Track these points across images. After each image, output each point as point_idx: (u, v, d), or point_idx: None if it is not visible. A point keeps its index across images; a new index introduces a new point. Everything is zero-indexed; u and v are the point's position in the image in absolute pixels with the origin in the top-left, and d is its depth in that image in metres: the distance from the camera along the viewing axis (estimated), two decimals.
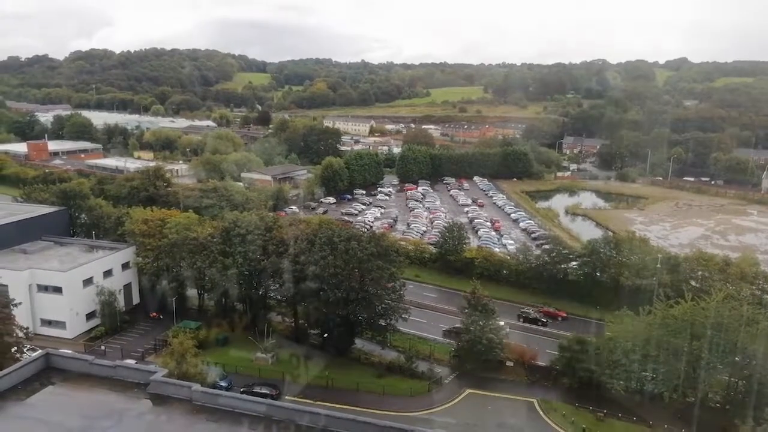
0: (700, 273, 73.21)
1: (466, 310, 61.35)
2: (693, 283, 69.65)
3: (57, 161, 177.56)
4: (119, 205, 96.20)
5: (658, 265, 74.42)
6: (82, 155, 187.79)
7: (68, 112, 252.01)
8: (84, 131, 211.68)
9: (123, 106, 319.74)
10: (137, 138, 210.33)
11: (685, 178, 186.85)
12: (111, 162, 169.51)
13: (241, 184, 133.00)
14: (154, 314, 73.18)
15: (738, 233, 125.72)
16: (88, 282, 68.84)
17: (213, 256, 68.07)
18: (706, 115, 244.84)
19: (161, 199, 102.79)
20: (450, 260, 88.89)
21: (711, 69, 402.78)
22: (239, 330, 68.35)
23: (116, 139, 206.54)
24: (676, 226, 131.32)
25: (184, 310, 73.14)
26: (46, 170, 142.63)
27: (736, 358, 51.16)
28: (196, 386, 52.86)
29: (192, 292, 76.65)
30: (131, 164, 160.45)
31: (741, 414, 49.43)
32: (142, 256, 74.02)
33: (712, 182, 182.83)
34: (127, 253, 75.36)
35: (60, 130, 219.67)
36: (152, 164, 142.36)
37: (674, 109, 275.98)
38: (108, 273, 71.62)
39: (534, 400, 55.70)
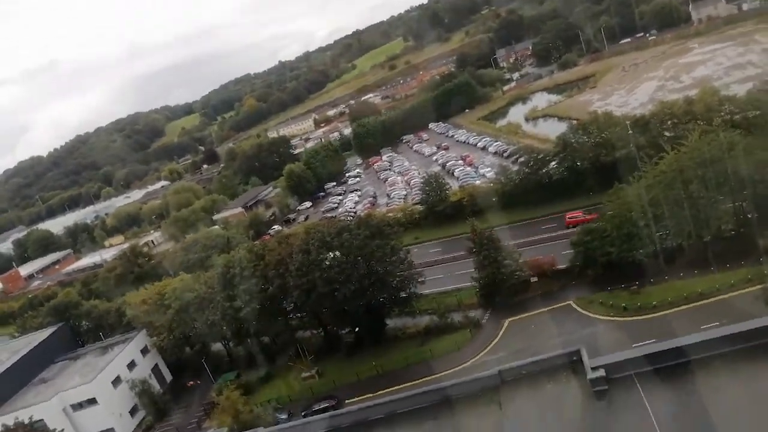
0: (669, 122, 73.83)
1: (474, 250, 61.79)
2: (667, 134, 70.30)
3: (35, 283, 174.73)
4: (113, 297, 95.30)
5: (630, 132, 75.07)
6: (57, 266, 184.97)
7: (24, 233, 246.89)
8: (48, 243, 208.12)
9: (74, 203, 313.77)
10: (101, 227, 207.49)
11: (621, 42, 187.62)
12: (87, 261, 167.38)
13: (216, 227, 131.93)
14: (191, 383, 73.13)
15: (688, 71, 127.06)
16: (116, 381, 68.38)
17: (221, 306, 67.69)
18: None
19: (150, 275, 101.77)
20: (439, 211, 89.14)
21: None
22: (275, 360, 68.46)
23: (82, 237, 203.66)
24: (630, 90, 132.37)
25: (217, 365, 73.11)
26: (29, 296, 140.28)
27: (732, 184, 52.15)
28: (260, 430, 53.24)
29: (217, 346, 76.55)
30: (107, 254, 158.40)
31: (753, 232, 50.57)
32: (156, 334, 73.60)
33: (647, 35, 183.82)
34: (140, 339, 74.88)
35: (24, 252, 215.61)
36: (126, 245, 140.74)
37: None
38: (131, 365, 71.28)
39: (570, 302, 56.53)
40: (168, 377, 76.56)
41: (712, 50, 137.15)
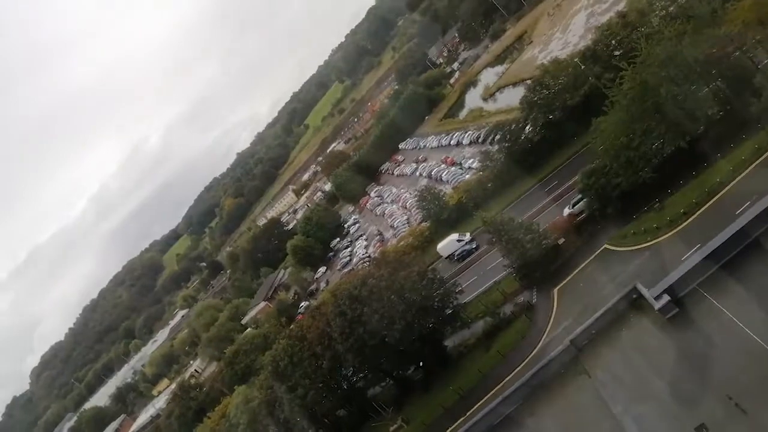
0: (613, 42, 74.12)
1: (494, 239, 61.36)
2: (617, 54, 70.49)
3: None
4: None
5: (583, 67, 75.42)
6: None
7: (74, 419, 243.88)
8: (101, 418, 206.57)
9: (109, 371, 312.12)
10: (144, 380, 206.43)
11: None
12: (144, 417, 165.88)
13: (249, 329, 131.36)
14: None
15: None
16: None
17: (285, 399, 66.68)
18: None
19: (208, 403, 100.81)
20: (445, 220, 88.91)
21: None
22: (359, 429, 67.13)
23: (130, 398, 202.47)
24: (564, 29, 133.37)
25: None
26: None
27: (697, 70, 52.11)
28: None
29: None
30: (159, 403, 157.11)
31: (739, 105, 50.34)
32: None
33: None
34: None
35: None
36: (173, 386, 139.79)
37: None
38: None
39: (605, 246, 55.77)
40: None
41: None
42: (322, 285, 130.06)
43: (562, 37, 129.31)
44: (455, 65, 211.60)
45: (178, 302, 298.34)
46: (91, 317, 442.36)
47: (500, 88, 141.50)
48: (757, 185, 43.03)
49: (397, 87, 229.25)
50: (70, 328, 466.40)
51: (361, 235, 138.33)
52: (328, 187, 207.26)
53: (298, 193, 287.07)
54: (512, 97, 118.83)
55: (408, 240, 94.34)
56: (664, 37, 54.17)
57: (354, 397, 68.56)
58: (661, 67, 52.16)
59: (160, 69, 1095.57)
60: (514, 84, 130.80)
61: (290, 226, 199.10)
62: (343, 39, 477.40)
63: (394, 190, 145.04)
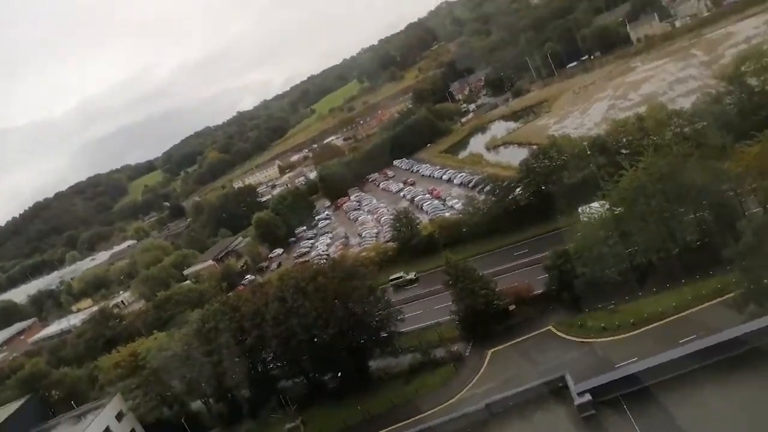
0: (624, 140, 76.18)
1: (450, 282, 61.91)
2: (624, 151, 72.41)
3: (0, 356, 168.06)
4: (84, 363, 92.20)
5: (588, 152, 77.09)
6: (22, 336, 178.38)
7: None
8: (12, 314, 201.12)
9: (37, 271, 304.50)
10: (67, 292, 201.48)
11: (568, 66, 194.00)
12: (54, 328, 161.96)
13: (188, 282, 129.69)
14: None
15: (635, 89, 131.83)
16: None
17: (197, 362, 66.07)
18: (555, 5, 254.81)
19: (122, 336, 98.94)
20: (412, 246, 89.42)
21: None
22: (258, 414, 66.52)
23: (48, 305, 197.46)
24: (583, 111, 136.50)
25: (197, 425, 70.70)
26: None
27: (691, 195, 53.76)
28: None
29: (197, 404, 74.25)
30: (75, 319, 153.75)
31: (717, 241, 51.94)
32: (131, 398, 70.93)
33: (591, 57, 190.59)
34: (115, 404, 72.11)
35: None
36: (95, 309, 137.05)
37: (526, 12, 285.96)
38: (106, 431, 68.46)
39: (550, 327, 56.85)
40: None
41: (654, 67, 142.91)
42: (274, 266, 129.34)
43: (579, 117, 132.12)
44: (472, 106, 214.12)
45: (130, 231, 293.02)
46: (39, 214, 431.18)
47: (506, 144, 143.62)
48: (709, 321, 44.43)
49: (410, 106, 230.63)
50: (13, 217, 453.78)
51: (327, 233, 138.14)
52: (312, 175, 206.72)
53: (282, 171, 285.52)
54: (514, 155, 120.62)
55: (370, 253, 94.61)
56: (671, 153, 55.93)
57: (264, 382, 68.20)
58: (660, 180, 53.71)
59: (192, 5, 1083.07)
60: (520, 144, 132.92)
61: (264, 199, 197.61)
62: (376, 42, 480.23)
63: (374, 201, 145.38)
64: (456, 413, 45.73)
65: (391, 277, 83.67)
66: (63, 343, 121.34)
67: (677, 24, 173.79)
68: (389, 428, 51.69)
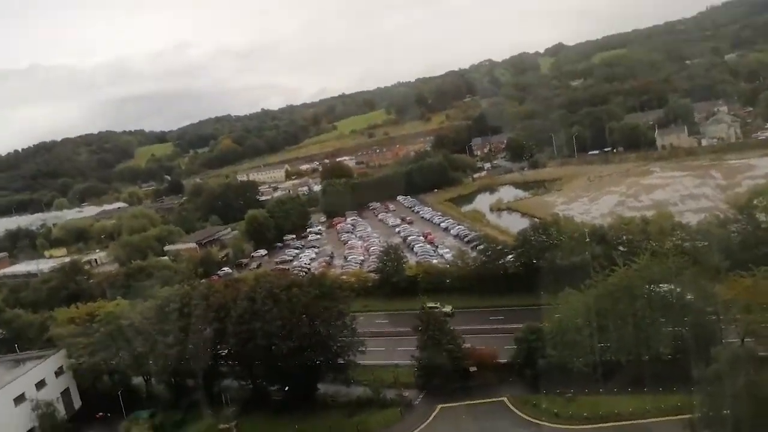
0: (625, 237, 76.68)
1: (420, 328, 61.42)
2: (621, 248, 72.80)
3: None
4: (40, 310, 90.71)
5: (587, 240, 77.44)
6: None
7: None
8: None
9: (22, 208, 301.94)
10: (45, 236, 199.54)
11: (590, 153, 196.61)
12: (21, 268, 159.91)
13: (166, 258, 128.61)
14: (100, 415, 68.72)
15: (648, 192, 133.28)
16: (19, 399, 63.85)
17: (152, 339, 65.13)
18: (592, 91, 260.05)
19: (85, 294, 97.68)
20: (393, 282, 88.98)
21: (587, 48, 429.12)
22: (196, 408, 65.08)
23: (22, 243, 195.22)
24: (593, 199, 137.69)
25: (133, 401, 68.95)
26: None
27: (675, 308, 53.82)
28: None
29: (137, 380, 72.84)
30: (44, 265, 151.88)
31: (689, 360, 51.74)
32: (76, 357, 69.57)
33: (614, 150, 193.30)
34: (58, 358, 70.71)
35: None
36: (68, 260, 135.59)
37: (563, 91, 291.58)
38: (41, 384, 66.83)
39: (504, 398, 56.18)
40: (77, 404, 71.88)
41: (672, 177, 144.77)
42: (254, 265, 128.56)
43: (588, 204, 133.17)
44: (487, 165, 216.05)
45: (124, 194, 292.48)
46: (41, 154, 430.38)
47: (510, 209, 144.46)
48: None
49: (429, 148, 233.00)
50: (15, 150, 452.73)
51: (315, 247, 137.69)
52: (316, 188, 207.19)
53: (288, 176, 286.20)
54: (515, 223, 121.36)
55: (350, 278, 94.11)
56: (666, 263, 56.10)
57: (211, 376, 67.00)
58: (649, 284, 53.80)
59: None
60: (524, 214, 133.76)
61: (263, 198, 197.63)
62: (413, 79, 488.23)
63: (369, 229, 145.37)
64: None
65: (427, 305, 76.80)
66: (25, 285, 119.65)
67: (704, 142, 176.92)
68: None
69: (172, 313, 65.42)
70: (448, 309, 76.56)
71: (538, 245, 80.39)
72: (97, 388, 70.95)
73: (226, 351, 65.51)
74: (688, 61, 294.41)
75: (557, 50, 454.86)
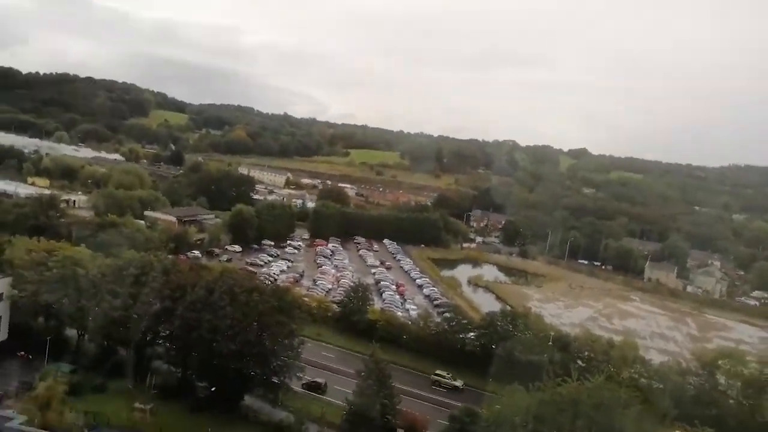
0: (586, 353, 76.63)
1: (363, 374, 60.40)
2: (580, 362, 72.56)
3: None
4: (2, 231, 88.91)
5: (550, 343, 77.33)
6: None
7: None
8: None
9: (22, 129, 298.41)
10: (34, 163, 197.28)
11: (579, 261, 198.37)
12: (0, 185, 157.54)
13: (142, 222, 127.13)
14: (22, 354, 66.62)
15: (622, 317, 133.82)
16: None
17: (100, 296, 63.75)
18: (601, 204, 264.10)
19: (52, 230, 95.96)
20: (353, 321, 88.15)
21: (607, 162, 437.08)
22: (119, 378, 63.17)
23: (9, 162, 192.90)
24: (568, 306, 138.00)
25: (60, 351, 66.86)
26: None
27: None
28: None
29: (71, 333, 70.92)
30: (23, 189, 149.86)
31: None
32: (20, 288, 67.81)
33: (603, 267, 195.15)
34: (1, 284, 68.87)
35: None
36: (47, 192, 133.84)
37: (574, 194, 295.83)
38: None
39: None
40: (2, 336, 69.58)
41: (649, 311, 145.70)
42: (224, 257, 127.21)
43: (561, 309, 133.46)
44: (479, 239, 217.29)
45: (125, 148, 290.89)
46: (60, 84, 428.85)
47: (487, 289, 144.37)
48: None
49: (430, 204, 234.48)
50: (36, 72, 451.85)
51: (288, 261, 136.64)
52: (310, 204, 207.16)
53: (287, 184, 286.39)
54: (487, 303, 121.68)
55: (312, 302, 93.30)
56: (618, 392, 55.65)
57: (144, 352, 65.41)
58: (595, 407, 53.25)
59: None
60: (498, 298, 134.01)
61: (255, 197, 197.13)
62: (435, 134, 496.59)
63: (346, 261, 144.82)
64: None
65: (435, 373, 76.37)
66: None
67: (689, 288, 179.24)
68: None
69: (129, 278, 64.28)
70: (459, 383, 75.58)
71: (501, 332, 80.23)
72: (29, 326, 68.96)
73: (168, 332, 63.98)
74: (697, 207, 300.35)
75: (580, 154, 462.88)
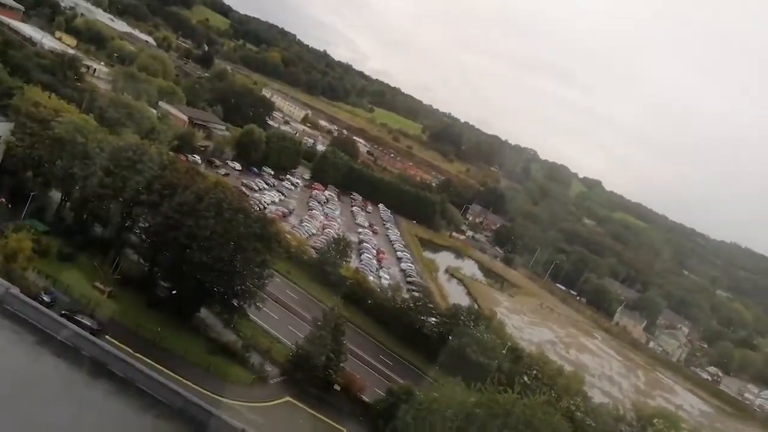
0: (534, 372, 77.81)
1: (319, 323, 61.25)
2: (525, 378, 73.81)
3: None
4: (15, 76, 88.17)
5: (504, 351, 78.45)
6: None
7: None
8: None
9: None
10: (67, 19, 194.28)
11: (557, 284, 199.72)
12: (27, 29, 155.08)
13: (154, 111, 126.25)
14: (2, 200, 66.86)
15: (579, 350, 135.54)
16: None
17: (93, 169, 63.78)
18: (596, 238, 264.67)
19: (64, 91, 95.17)
20: (326, 271, 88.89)
21: (616, 201, 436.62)
22: (88, 253, 63.70)
23: (43, 10, 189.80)
24: (533, 323, 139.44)
25: (39, 209, 67.36)
26: None
27: None
28: (15, 290, 49.30)
29: (55, 195, 71.17)
30: (49, 41, 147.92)
31: None
32: (18, 137, 67.67)
33: (578, 297, 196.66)
34: (1, 127, 68.71)
35: None
36: (71, 52, 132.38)
37: (574, 221, 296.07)
38: None
39: (344, 430, 56.23)
40: None
41: (606, 352, 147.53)
42: (222, 171, 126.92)
43: (524, 324, 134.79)
44: (470, 233, 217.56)
45: (157, 34, 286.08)
46: None
47: (461, 282, 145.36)
48: None
49: (435, 184, 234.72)
50: None
51: (282, 194, 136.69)
52: (320, 147, 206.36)
53: (305, 120, 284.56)
54: (457, 296, 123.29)
55: (292, 240, 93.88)
56: (552, 417, 56.73)
57: (116, 234, 65.83)
58: (525, 425, 54.31)
59: None
60: (469, 293, 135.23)
61: (269, 122, 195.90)
62: (462, 119, 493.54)
63: (337, 213, 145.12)
64: (216, 409, 45.07)
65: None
66: (20, 46, 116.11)
67: (651, 344, 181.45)
68: (155, 363, 49.70)
69: (125, 161, 64.14)
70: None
71: (461, 326, 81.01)
72: (17, 177, 69.12)
73: (147, 225, 64.19)
74: (686, 272, 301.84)
75: (593, 185, 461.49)
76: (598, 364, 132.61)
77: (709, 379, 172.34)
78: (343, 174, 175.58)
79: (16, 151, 67.37)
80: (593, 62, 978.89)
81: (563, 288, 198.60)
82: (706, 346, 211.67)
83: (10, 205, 66.15)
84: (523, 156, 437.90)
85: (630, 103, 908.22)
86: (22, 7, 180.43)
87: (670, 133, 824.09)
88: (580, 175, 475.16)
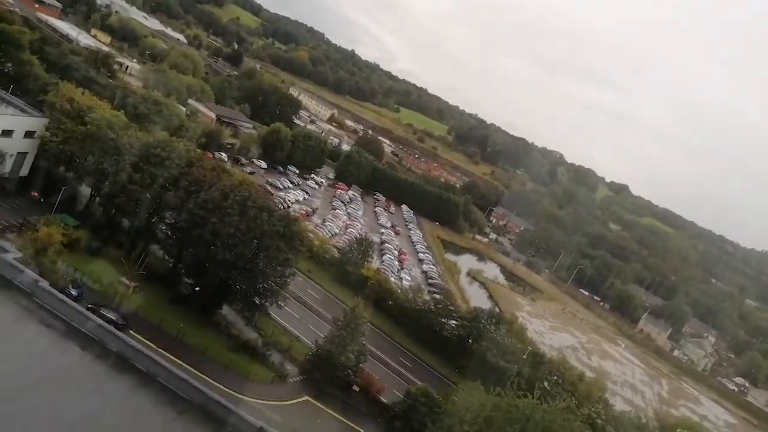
0: (555, 377, 77.19)
1: (339, 323, 61.65)
2: (546, 384, 73.24)
3: None
4: (52, 72, 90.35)
5: (524, 356, 77.96)
6: (37, 5, 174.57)
7: None
8: None
9: None
10: (102, 16, 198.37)
11: (581, 290, 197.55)
12: (64, 26, 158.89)
13: (183, 108, 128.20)
14: (35, 194, 68.70)
15: (601, 356, 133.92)
16: None
17: (122, 165, 65.02)
18: (621, 243, 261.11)
19: (97, 87, 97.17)
20: (347, 271, 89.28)
21: (644, 206, 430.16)
22: (115, 248, 65.08)
23: (79, 8, 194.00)
24: (554, 328, 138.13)
25: (69, 204, 68.99)
26: None
27: None
28: (44, 283, 50.60)
29: (85, 191, 72.76)
30: (84, 39, 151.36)
31: None
32: (52, 132, 69.32)
33: (601, 303, 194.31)
34: (37, 122, 70.35)
35: None
36: (105, 49, 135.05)
37: (598, 224, 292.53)
38: (7, 133, 66.50)
39: (362, 431, 56.52)
40: (24, 172, 71.51)
41: (629, 360, 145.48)
42: (248, 169, 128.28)
43: (547, 329, 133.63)
44: (493, 236, 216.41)
45: (189, 32, 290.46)
46: None
47: (482, 285, 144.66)
48: None
49: (459, 186, 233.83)
50: None
51: (306, 194, 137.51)
52: (345, 147, 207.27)
53: (331, 120, 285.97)
54: (479, 299, 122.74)
55: (315, 240, 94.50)
56: (572, 424, 56.32)
57: (143, 229, 66.92)
58: (542, 431, 53.98)
59: None
60: (490, 297, 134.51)
61: (296, 121, 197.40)
62: (489, 121, 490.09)
63: (360, 212, 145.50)
64: (231, 405, 45.75)
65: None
66: (57, 43, 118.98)
67: (675, 352, 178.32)
68: (177, 359, 50.64)
69: (154, 157, 65.23)
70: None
71: (482, 330, 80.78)
72: (50, 172, 70.81)
73: (173, 222, 65.27)
74: (714, 280, 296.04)
75: (620, 189, 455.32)
76: (621, 372, 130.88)
77: (736, 389, 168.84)
78: (367, 174, 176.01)
79: (49, 146, 69.00)
80: (624, 65, 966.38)
81: (586, 293, 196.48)
82: (733, 356, 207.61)
83: (42, 199, 67.96)
84: (550, 159, 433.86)
85: (660, 107, 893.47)
86: (60, 5, 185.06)
87: (701, 138, 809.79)
88: (607, 180, 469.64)
